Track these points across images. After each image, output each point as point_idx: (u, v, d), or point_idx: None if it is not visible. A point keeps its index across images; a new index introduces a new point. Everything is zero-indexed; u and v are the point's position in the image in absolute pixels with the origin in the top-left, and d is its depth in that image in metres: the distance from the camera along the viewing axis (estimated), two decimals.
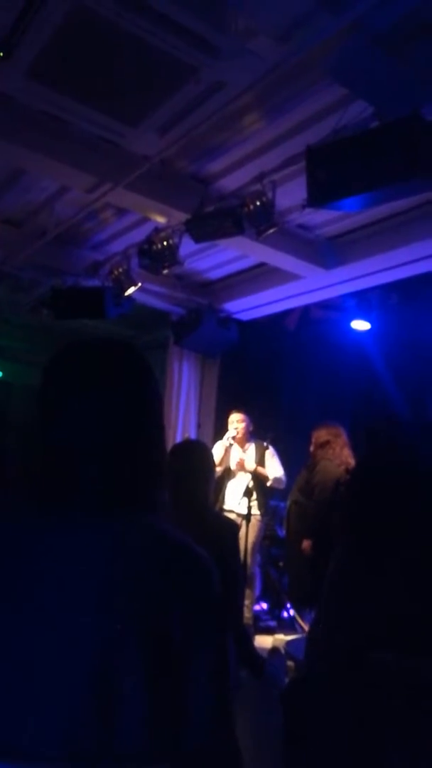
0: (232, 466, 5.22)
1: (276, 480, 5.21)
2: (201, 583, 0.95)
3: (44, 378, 1.03)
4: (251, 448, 5.32)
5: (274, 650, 3.01)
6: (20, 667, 0.88)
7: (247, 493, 4.79)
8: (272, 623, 5.37)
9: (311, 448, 4.88)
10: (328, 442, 4.73)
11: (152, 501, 1.00)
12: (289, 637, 4.85)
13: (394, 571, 1.38)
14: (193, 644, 0.90)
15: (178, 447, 2.63)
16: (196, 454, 2.50)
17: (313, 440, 4.86)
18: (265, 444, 5.25)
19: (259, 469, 5.17)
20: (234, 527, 2.51)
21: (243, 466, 5.17)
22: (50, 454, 0.99)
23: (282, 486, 5.32)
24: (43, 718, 0.86)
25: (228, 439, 5.19)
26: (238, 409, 5.45)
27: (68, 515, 0.96)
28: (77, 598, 0.90)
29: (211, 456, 2.59)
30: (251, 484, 4.93)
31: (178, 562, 0.94)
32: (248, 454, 5.28)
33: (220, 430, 5.50)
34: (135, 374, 1.04)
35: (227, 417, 5.46)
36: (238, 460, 5.18)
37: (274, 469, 5.22)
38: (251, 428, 5.39)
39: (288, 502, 5.02)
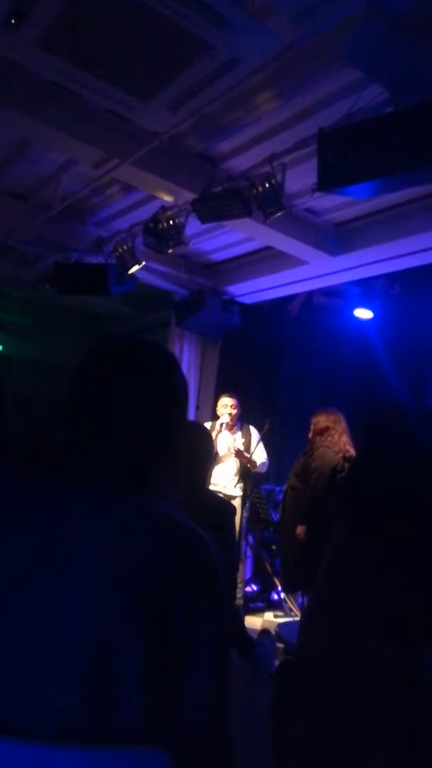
0: (221, 452, 5.19)
1: (261, 465, 5.25)
2: (205, 569, 0.96)
3: (79, 364, 1.11)
4: (238, 433, 5.31)
5: (265, 632, 3.04)
6: (18, 640, 0.88)
7: (242, 476, 4.81)
8: (261, 604, 5.42)
9: (310, 434, 4.88)
10: (327, 429, 4.74)
11: (165, 486, 1.03)
12: (280, 619, 4.91)
13: (391, 561, 1.38)
14: (193, 628, 0.91)
15: None
16: (195, 435, 2.50)
17: (312, 426, 4.86)
18: (261, 428, 5.26)
19: (245, 454, 5.15)
20: (231, 510, 2.52)
21: (243, 455, 5.13)
22: (72, 431, 1.05)
23: (264, 470, 5.37)
24: (39, 693, 0.86)
25: (220, 425, 5.14)
26: (230, 393, 5.41)
27: (82, 492, 0.98)
28: (81, 575, 0.90)
29: (210, 438, 2.60)
30: (237, 466, 4.93)
31: (184, 548, 0.95)
32: (235, 437, 5.26)
33: (213, 414, 5.49)
34: (160, 368, 1.12)
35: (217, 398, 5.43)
36: (231, 446, 5.14)
37: (259, 453, 5.24)
38: (239, 412, 5.37)
39: (284, 488, 5.04)
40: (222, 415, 5.23)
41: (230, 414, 5.20)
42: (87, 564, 0.91)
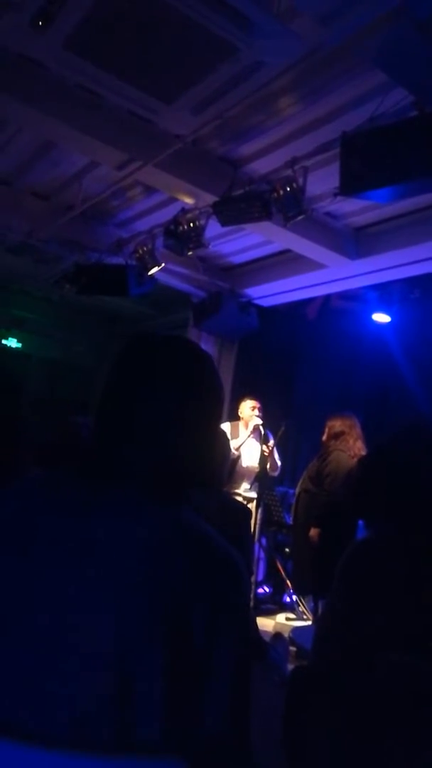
0: (246, 462, 5.22)
1: (277, 468, 5.33)
2: (230, 583, 0.94)
3: (112, 366, 1.07)
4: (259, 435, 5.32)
5: (278, 636, 3.03)
6: (39, 645, 0.88)
7: (259, 479, 4.81)
8: (273, 606, 5.41)
9: (324, 438, 4.87)
10: (342, 433, 4.72)
11: (191, 493, 1.01)
12: (292, 622, 4.90)
13: (404, 568, 1.37)
14: (216, 641, 0.89)
15: None
16: None
17: (327, 430, 4.85)
18: (277, 430, 5.28)
19: (273, 456, 5.21)
20: (248, 512, 2.52)
21: (272, 456, 5.16)
22: (101, 434, 1.03)
23: (276, 473, 5.42)
24: (58, 699, 0.85)
25: (254, 427, 5.12)
26: (253, 395, 5.43)
27: (111, 498, 0.97)
28: (105, 583, 0.89)
29: (227, 439, 2.60)
30: (258, 469, 4.96)
31: (210, 561, 0.94)
32: (254, 439, 5.27)
33: (235, 414, 5.49)
34: (196, 371, 1.07)
35: (240, 401, 5.44)
36: (266, 450, 5.12)
37: (275, 456, 5.29)
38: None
39: (297, 490, 5.03)
40: (250, 418, 5.19)
41: (259, 416, 5.16)
42: (112, 572, 0.90)
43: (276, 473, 5.38)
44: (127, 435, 1.00)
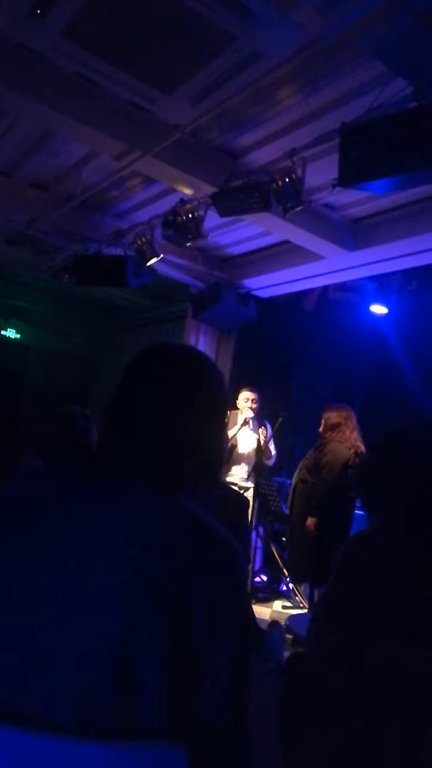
0: (243, 449, 5.28)
1: (272, 458, 5.41)
2: (229, 570, 0.96)
3: (126, 366, 1.14)
4: (261, 429, 5.37)
5: (274, 623, 3.06)
6: (41, 630, 0.89)
7: (256, 469, 4.85)
8: (269, 594, 5.45)
9: (320, 429, 4.91)
10: (338, 425, 4.77)
11: (194, 488, 1.05)
12: (288, 610, 4.94)
13: (408, 561, 1.37)
14: (215, 628, 0.91)
15: None
16: None
17: (323, 421, 4.89)
18: (275, 421, 5.34)
19: (269, 446, 5.28)
20: (245, 502, 2.55)
21: (268, 448, 5.23)
22: (109, 428, 1.09)
23: (272, 463, 5.49)
24: (58, 684, 0.87)
25: (245, 419, 5.20)
26: (250, 387, 5.47)
27: (117, 486, 1.00)
28: (109, 568, 0.91)
29: (227, 439, 2.62)
30: (254, 460, 5.01)
31: (209, 549, 0.96)
32: (251, 430, 5.33)
33: (234, 403, 5.52)
34: (199, 373, 1.13)
35: (239, 393, 5.48)
36: (261, 439, 5.21)
37: (270, 447, 5.37)
38: (259, 407, 5.45)
39: (293, 480, 5.07)
40: (244, 409, 5.27)
41: (251, 408, 5.26)
42: (112, 560, 0.92)
43: (270, 462, 5.45)
44: (132, 433, 1.05)
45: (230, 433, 5.09)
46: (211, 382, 1.14)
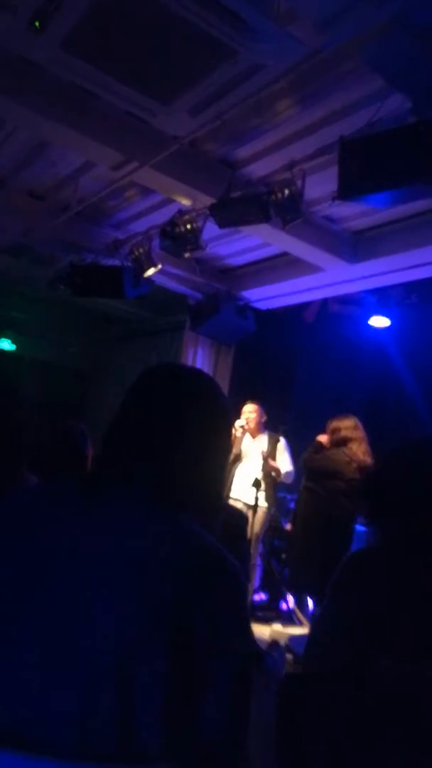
0: (242, 454, 5.22)
1: (287, 474, 5.23)
2: (230, 592, 0.95)
3: (131, 385, 1.15)
4: (263, 438, 5.31)
5: (274, 643, 3.01)
6: (40, 648, 0.88)
7: (256, 484, 4.77)
8: (269, 614, 5.37)
9: (325, 439, 4.69)
10: (346, 440, 4.54)
11: (195, 509, 1.03)
12: (288, 629, 4.87)
13: (411, 577, 1.36)
14: (216, 651, 0.90)
15: None
16: None
17: (329, 434, 4.66)
18: (278, 436, 5.27)
19: (271, 461, 5.16)
20: (244, 518, 2.50)
21: (269, 463, 5.14)
22: (110, 445, 1.09)
23: (290, 480, 5.34)
24: (57, 708, 0.86)
25: (237, 428, 5.16)
26: (253, 400, 5.44)
27: (117, 505, 1.00)
28: (108, 587, 0.90)
29: (228, 460, 2.57)
30: (260, 475, 4.91)
31: (210, 570, 0.95)
32: (259, 443, 5.26)
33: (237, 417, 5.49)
34: (202, 394, 1.14)
35: (239, 405, 5.44)
36: (262, 450, 5.14)
37: (285, 462, 5.23)
38: (264, 419, 5.37)
39: (300, 487, 4.95)
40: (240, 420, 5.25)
41: (247, 419, 5.22)
42: (112, 580, 0.90)
43: (287, 480, 5.30)
44: (134, 453, 1.05)
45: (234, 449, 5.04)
46: (214, 404, 1.13)
